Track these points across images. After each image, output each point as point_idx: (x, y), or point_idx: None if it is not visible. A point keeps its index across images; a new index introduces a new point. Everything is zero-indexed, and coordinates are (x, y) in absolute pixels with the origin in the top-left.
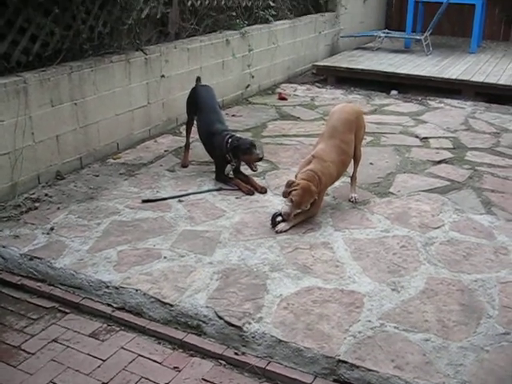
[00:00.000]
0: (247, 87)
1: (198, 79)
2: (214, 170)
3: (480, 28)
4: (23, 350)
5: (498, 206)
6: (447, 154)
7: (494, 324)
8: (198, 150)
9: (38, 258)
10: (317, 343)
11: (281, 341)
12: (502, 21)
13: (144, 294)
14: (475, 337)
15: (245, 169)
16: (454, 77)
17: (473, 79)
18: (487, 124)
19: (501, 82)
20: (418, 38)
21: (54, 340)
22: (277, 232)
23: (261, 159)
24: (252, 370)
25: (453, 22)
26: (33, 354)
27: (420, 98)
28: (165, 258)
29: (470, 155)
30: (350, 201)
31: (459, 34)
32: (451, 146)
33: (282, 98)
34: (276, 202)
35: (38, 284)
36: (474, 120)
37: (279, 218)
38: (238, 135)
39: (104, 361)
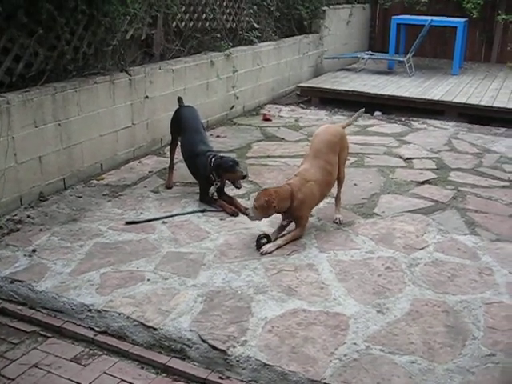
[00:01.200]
0: (232, 108)
1: (180, 100)
2: (198, 191)
3: (461, 50)
4: (3, 376)
5: (481, 226)
6: (431, 175)
7: (479, 345)
8: (183, 171)
9: (19, 281)
10: (302, 367)
11: (266, 364)
12: (483, 42)
13: (127, 318)
14: (461, 359)
15: (230, 189)
16: (436, 98)
17: (455, 100)
18: (470, 145)
19: (483, 103)
20: (400, 59)
21: (35, 365)
22: (262, 254)
23: (245, 177)
24: None
25: (435, 43)
26: (13, 379)
27: (403, 119)
28: (148, 280)
29: (453, 176)
30: (334, 222)
31: (441, 55)
32: (435, 167)
33: (267, 119)
34: (260, 224)
35: (19, 307)
36: (456, 141)
37: (264, 240)
38: (221, 155)
39: None
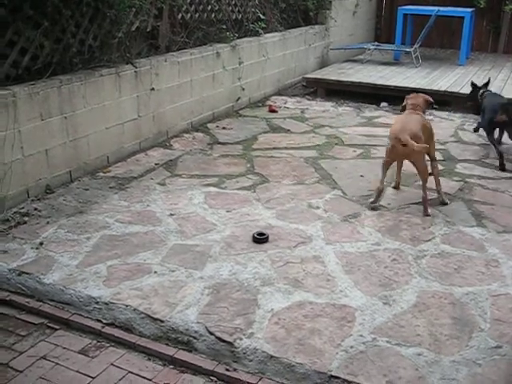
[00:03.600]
0: (238, 100)
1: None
2: (205, 183)
3: (468, 40)
4: (11, 368)
5: (488, 217)
6: None
7: (485, 337)
8: (189, 162)
9: (27, 274)
10: (309, 358)
11: (272, 356)
12: (490, 32)
13: (134, 310)
14: (467, 351)
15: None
16: (443, 89)
17: (462, 91)
18: (476, 136)
19: None
20: (407, 50)
21: (43, 357)
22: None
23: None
24: None
25: (441, 34)
26: (21, 371)
27: None
28: (155, 272)
29: (459, 167)
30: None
31: (448, 46)
32: (441, 158)
33: (273, 111)
34: (267, 215)
35: (27, 300)
36: (463, 132)
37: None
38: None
39: (93, 378)
